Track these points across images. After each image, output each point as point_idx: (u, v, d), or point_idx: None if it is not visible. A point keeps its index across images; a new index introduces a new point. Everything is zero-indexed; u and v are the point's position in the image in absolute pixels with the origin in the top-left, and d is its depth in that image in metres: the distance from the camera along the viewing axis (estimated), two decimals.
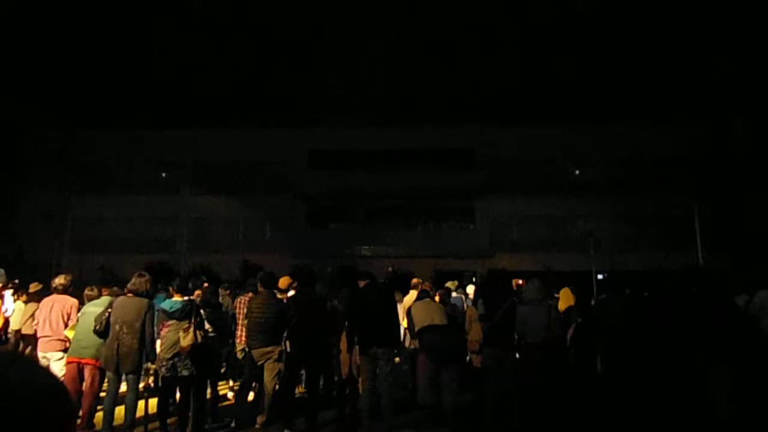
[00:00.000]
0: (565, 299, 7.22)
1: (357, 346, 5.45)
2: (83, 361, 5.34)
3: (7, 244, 20.97)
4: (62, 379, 5.50)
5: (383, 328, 5.38)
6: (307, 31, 22.82)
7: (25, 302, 10.02)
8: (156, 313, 5.53)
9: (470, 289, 9.14)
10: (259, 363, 5.66)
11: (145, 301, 5.36)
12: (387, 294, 5.92)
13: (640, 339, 5.61)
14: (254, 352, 5.66)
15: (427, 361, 5.57)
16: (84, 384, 5.37)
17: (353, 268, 12.63)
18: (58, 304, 5.90)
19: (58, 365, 5.60)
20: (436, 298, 6.70)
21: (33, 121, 23.46)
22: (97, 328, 5.23)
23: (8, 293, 9.79)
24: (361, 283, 5.93)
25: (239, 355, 6.63)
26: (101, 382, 5.45)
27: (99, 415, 5.36)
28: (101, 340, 5.25)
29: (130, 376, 5.25)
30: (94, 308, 5.46)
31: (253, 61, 23.36)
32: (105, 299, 5.66)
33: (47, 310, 5.90)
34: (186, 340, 4.94)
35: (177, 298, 5.41)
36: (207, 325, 5.33)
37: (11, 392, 0.62)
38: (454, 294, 8.17)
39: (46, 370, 0.71)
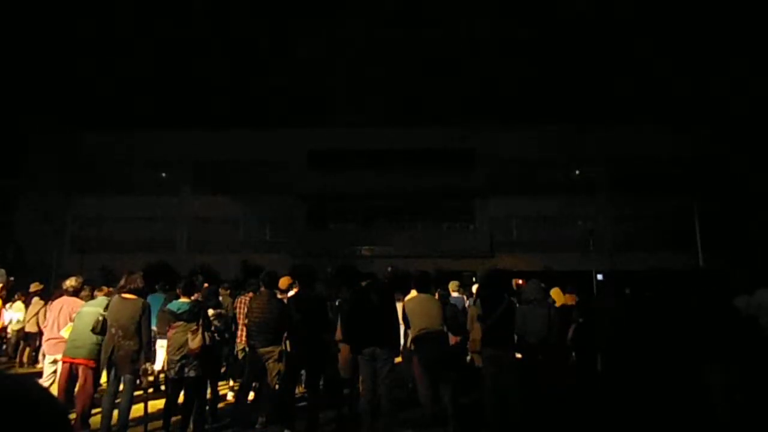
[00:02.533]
0: (557, 299, 7.23)
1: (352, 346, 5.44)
2: (76, 361, 5.28)
3: (7, 244, 20.98)
4: (58, 379, 5.53)
5: (383, 328, 5.37)
6: (307, 32, 22.84)
7: (25, 302, 10.03)
8: (153, 314, 5.46)
9: (474, 289, 9.13)
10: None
11: (140, 301, 5.23)
12: (386, 294, 5.90)
13: (640, 339, 5.61)
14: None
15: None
16: (77, 384, 5.33)
17: (353, 266, 12.60)
18: (67, 306, 5.88)
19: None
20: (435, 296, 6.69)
21: (34, 122, 23.47)
22: (96, 329, 5.21)
23: (6, 310, 9.73)
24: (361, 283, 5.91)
25: (239, 355, 6.63)
26: (95, 382, 5.41)
27: (98, 416, 5.35)
28: (95, 340, 5.20)
29: (128, 376, 5.20)
30: (90, 308, 5.43)
31: (253, 61, 23.38)
32: (102, 299, 5.63)
33: (56, 312, 5.88)
34: (195, 342, 4.92)
35: (184, 299, 5.40)
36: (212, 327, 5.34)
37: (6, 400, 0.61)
38: (455, 294, 8.17)
39: (33, 381, 0.70)
